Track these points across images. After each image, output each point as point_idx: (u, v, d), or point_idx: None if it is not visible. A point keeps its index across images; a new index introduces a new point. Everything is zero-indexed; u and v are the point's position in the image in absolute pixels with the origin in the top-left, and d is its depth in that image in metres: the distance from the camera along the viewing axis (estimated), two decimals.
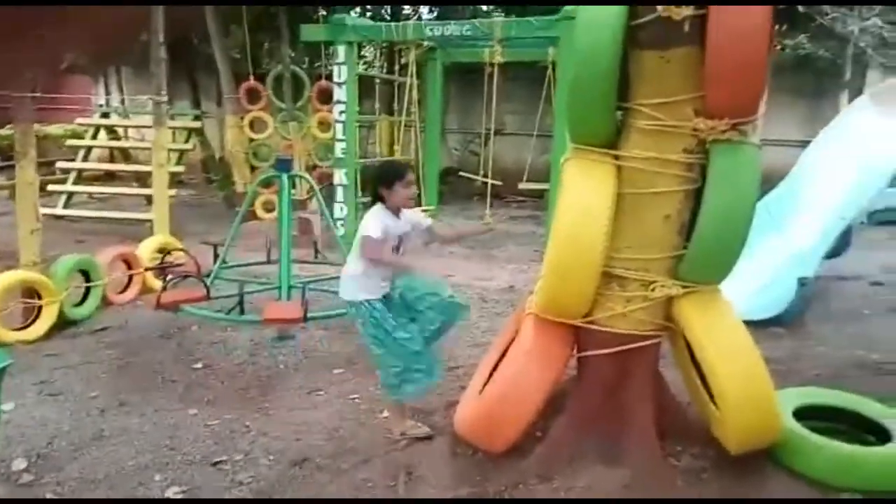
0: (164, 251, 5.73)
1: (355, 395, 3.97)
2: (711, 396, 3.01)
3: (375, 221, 3.27)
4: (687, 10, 2.59)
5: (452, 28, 8.16)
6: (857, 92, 10.79)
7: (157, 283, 5.47)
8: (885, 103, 6.58)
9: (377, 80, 10.93)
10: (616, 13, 2.73)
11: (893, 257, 7.77)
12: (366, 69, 13.35)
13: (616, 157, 3.02)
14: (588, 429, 3.16)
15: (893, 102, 6.61)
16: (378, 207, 3.34)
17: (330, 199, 8.53)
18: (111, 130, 11.10)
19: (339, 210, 8.53)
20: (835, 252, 5.94)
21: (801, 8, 9.50)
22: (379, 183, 3.37)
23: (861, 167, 6.05)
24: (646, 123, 2.94)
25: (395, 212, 3.36)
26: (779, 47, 11.32)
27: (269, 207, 9.52)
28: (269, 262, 5.49)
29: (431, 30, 8.35)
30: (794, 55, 11.92)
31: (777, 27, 10.64)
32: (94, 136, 10.73)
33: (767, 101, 11.31)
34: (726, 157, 2.85)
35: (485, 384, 3.23)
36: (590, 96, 2.92)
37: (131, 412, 3.76)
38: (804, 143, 8.36)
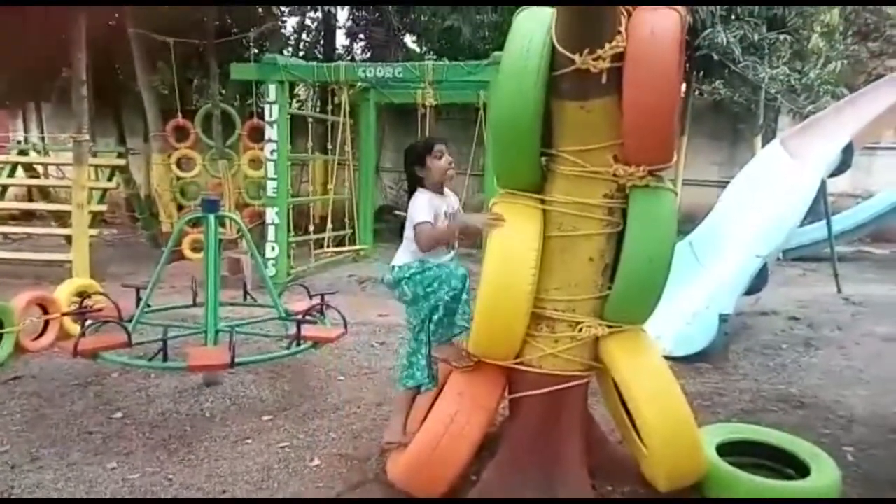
0: (82, 295, 5.48)
1: (285, 444, 3.86)
2: (639, 435, 3.07)
3: (423, 204, 3.18)
4: (604, 64, 2.68)
5: (384, 70, 8.28)
6: (770, 135, 11.46)
7: (76, 329, 5.22)
8: (794, 147, 7.01)
9: (310, 119, 10.91)
10: (537, 63, 2.80)
11: (807, 293, 8.14)
12: (299, 107, 13.31)
13: (542, 201, 3.09)
14: (520, 470, 3.16)
15: (802, 146, 7.05)
16: (420, 191, 3.26)
17: (262, 238, 8.42)
18: (29, 168, 10.67)
19: (271, 250, 8.40)
20: (753, 288, 6.19)
21: (714, 56, 10.04)
22: (411, 166, 3.30)
23: (774, 208, 6.38)
24: (568, 169, 3.02)
25: (438, 189, 3.28)
26: (697, 92, 11.93)
27: (197, 247, 9.25)
28: (195, 304, 5.32)
29: (364, 71, 8.43)
30: (712, 100, 12.61)
31: (694, 74, 11.23)
32: (11, 174, 10.30)
33: (688, 143, 11.93)
34: (644, 201, 2.95)
35: (418, 428, 3.20)
36: (513, 143, 2.98)
37: (45, 467, 3.55)
38: (724, 184, 8.80)
